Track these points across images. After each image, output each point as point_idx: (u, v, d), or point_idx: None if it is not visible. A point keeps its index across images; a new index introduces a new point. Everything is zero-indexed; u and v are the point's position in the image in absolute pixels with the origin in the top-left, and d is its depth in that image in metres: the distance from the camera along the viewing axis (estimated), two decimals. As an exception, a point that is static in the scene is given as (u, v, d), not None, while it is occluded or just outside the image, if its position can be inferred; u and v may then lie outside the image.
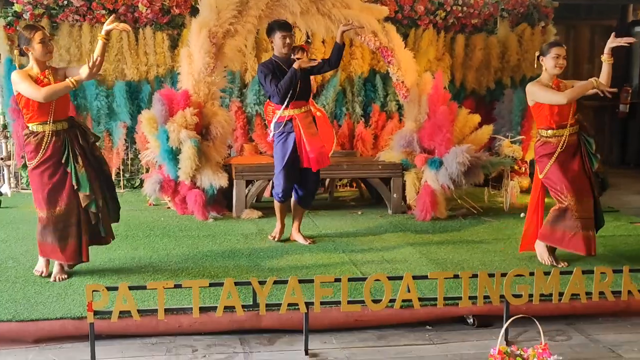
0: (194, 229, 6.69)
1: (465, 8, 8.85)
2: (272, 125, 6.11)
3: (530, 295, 4.33)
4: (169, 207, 7.55)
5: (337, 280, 4.16)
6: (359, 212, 7.55)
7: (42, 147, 4.85)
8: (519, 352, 3.73)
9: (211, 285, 4.11)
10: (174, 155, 7.07)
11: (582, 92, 5.30)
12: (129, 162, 8.70)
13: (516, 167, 7.76)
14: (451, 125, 7.20)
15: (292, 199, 6.26)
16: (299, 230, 6.32)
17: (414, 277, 4.26)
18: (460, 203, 7.68)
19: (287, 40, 5.90)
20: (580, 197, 5.33)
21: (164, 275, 5.14)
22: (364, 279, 4.23)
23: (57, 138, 4.88)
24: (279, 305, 4.13)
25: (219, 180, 7.10)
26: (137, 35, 8.44)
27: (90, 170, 4.99)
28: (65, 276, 5.04)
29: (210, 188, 7.13)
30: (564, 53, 5.35)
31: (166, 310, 4.13)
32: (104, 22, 7.74)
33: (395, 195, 7.48)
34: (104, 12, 8.22)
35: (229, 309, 4.09)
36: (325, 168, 7.17)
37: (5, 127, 8.44)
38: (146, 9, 8.24)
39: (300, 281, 4.12)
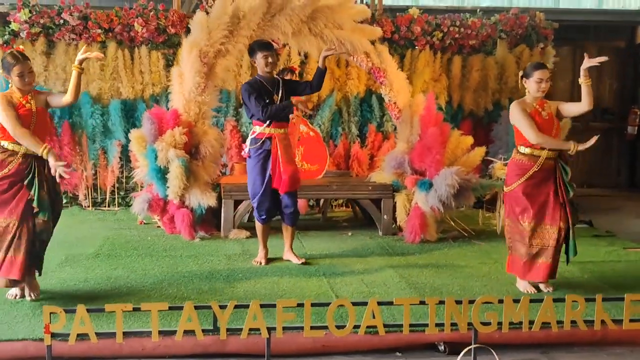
0: (178, 248, 6.66)
1: (462, 29, 8.81)
2: (248, 141, 6.07)
3: (500, 323, 4.24)
4: (159, 226, 7.53)
5: (300, 305, 4.10)
6: (349, 234, 7.50)
7: (7, 166, 4.84)
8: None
9: (171, 308, 4.05)
10: (162, 174, 7.06)
11: (557, 147, 5.26)
12: (124, 180, 8.70)
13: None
14: (441, 146, 7.12)
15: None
16: (292, 249, 6.28)
17: (379, 303, 4.19)
18: (451, 225, 7.58)
19: (270, 60, 5.88)
20: (540, 224, 5.26)
21: (136, 297, 5.08)
22: (328, 304, 4.15)
23: (24, 160, 4.86)
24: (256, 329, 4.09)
25: (207, 200, 7.08)
26: (132, 55, 8.49)
27: (49, 201, 4.97)
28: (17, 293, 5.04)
29: (198, 207, 7.11)
30: (547, 76, 5.27)
31: (128, 334, 4.11)
32: (99, 41, 7.91)
33: (385, 217, 7.41)
34: (99, 31, 8.28)
35: (192, 332, 4.05)
36: (314, 188, 7.21)
37: (2, 144, 8.48)
38: (142, 28, 8.29)
39: (262, 305, 4.07)
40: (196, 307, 4.03)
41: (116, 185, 8.70)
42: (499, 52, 8.93)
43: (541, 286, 5.46)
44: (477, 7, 10.00)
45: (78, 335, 3.94)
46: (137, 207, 7.24)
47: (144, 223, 7.77)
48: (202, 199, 7.07)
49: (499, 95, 9.10)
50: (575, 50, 11.25)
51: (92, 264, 6.01)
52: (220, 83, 7.66)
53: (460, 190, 6.97)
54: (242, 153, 6.29)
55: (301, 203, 8.46)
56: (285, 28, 7.28)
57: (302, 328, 4.11)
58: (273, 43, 6.53)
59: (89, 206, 8.72)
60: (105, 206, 8.72)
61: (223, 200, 7.19)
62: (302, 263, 6.17)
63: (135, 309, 4.00)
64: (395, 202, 7.35)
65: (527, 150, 5.29)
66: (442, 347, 4.59)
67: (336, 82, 8.83)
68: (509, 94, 9.07)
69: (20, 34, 8.23)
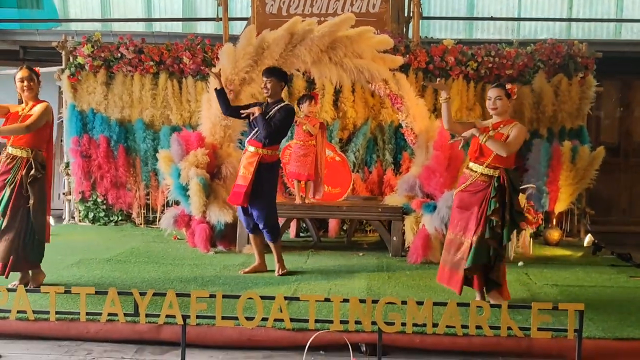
0: (186, 259, 7.20)
1: (497, 59, 8.88)
2: None
3: (405, 324, 4.40)
4: (187, 241, 8.09)
5: (212, 296, 4.47)
6: (360, 254, 7.73)
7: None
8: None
9: (97, 293, 4.52)
10: (185, 191, 7.65)
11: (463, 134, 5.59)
12: (173, 200, 9.38)
13: (529, 216, 7.58)
14: (445, 170, 7.26)
15: None
16: (277, 261, 6.61)
17: (286, 298, 4.48)
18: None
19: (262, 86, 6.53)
20: (460, 236, 5.40)
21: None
22: (238, 297, 4.49)
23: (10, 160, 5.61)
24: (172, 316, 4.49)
25: (225, 216, 7.58)
26: (180, 85, 9.24)
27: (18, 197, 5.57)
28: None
29: (217, 223, 7.62)
30: (496, 94, 5.36)
31: (64, 313, 4.68)
32: (152, 73, 8.71)
33: (394, 238, 7.60)
34: (152, 63, 9.10)
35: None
36: (325, 208, 7.57)
37: (67, 165, 9.44)
38: (189, 61, 9.03)
39: (177, 295, 4.47)
40: (119, 293, 4.50)
41: (166, 204, 9.38)
42: (536, 81, 8.90)
43: None
44: (528, 39, 10.02)
45: (19, 311, 4.52)
46: (165, 221, 7.88)
47: (178, 238, 8.37)
48: (220, 216, 7.58)
49: (537, 125, 9.03)
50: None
51: (98, 266, 6.65)
52: (246, 109, 8.19)
53: (463, 213, 7.07)
54: None
55: (333, 226, 8.86)
56: (305, 57, 7.76)
57: (214, 317, 4.47)
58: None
59: (141, 224, 9.49)
60: (156, 224, 9.42)
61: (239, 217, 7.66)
62: (280, 274, 6.52)
63: (66, 292, 4.53)
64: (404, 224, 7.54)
65: (470, 165, 5.46)
66: (364, 348, 4.78)
67: (371, 110, 9.15)
68: (547, 123, 9.00)
69: (85, 66, 9.19)
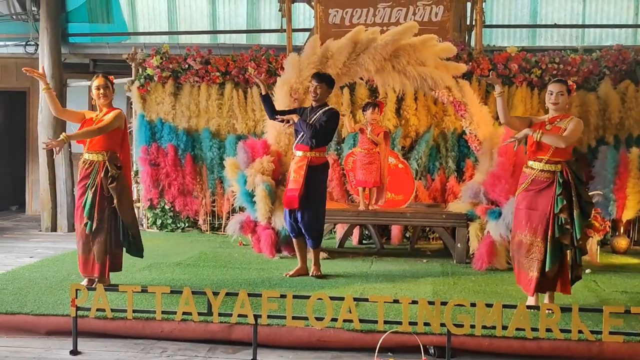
0: (253, 263, 7.34)
1: (562, 66, 8.81)
2: None
3: (473, 326, 4.43)
4: (253, 246, 8.24)
5: (283, 296, 4.57)
6: (424, 261, 7.75)
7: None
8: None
9: (172, 292, 4.68)
10: (251, 197, 7.81)
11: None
12: (238, 207, 9.55)
13: (596, 224, 7.49)
14: (510, 176, 7.24)
15: None
16: (314, 264, 6.75)
17: (355, 299, 4.56)
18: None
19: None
20: (534, 237, 5.33)
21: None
22: (307, 297, 4.58)
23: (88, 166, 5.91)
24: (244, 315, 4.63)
25: (289, 223, 7.71)
26: (246, 94, 9.44)
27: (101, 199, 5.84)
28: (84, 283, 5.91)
29: (282, 229, 7.75)
30: (558, 90, 5.35)
31: (137, 311, 4.85)
32: (218, 83, 8.93)
33: (459, 245, 7.60)
34: (218, 73, 9.32)
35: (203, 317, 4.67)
36: (387, 214, 7.63)
37: (136, 173, 9.69)
38: (254, 71, 9.21)
39: (249, 295, 4.60)
40: (193, 293, 4.65)
41: (231, 211, 9.55)
42: (602, 88, 8.80)
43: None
44: (593, 46, 9.92)
45: (97, 309, 4.70)
46: (231, 227, 8.05)
47: (243, 244, 8.53)
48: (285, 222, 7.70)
49: (603, 132, 8.91)
50: None
51: (168, 269, 6.85)
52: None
53: (529, 220, 7.03)
54: None
55: (396, 233, 8.90)
56: (369, 66, 7.85)
57: (285, 317, 4.58)
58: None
59: (207, 230, 9.69)
60: (221, 231, 9.61)
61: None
62: (313, 275, 6.66)
63: (143, 291, 4.71)
64: (469, 231, 7.53)
65: (529, 163, 5.45)
66: (432, 351, 4.82)
67: (433, 118, 9.16)
68: (614, 130, 8.87)
69: (154, 77, 9.47)
